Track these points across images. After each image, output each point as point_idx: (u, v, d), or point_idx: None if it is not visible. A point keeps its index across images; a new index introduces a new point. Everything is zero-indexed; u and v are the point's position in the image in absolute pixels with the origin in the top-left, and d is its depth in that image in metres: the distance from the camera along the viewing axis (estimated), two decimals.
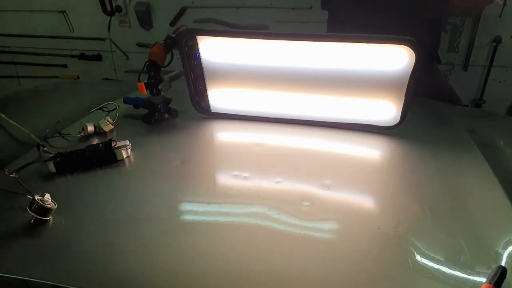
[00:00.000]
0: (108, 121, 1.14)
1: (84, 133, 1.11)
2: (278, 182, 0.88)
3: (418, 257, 0.65)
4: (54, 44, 3.39)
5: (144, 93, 1.16)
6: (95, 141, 1.08)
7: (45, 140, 1.08)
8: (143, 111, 1.25)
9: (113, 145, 0.96)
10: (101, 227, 0.74)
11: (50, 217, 0.74)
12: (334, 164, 1.00)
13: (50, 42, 3.38)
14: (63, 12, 3.24)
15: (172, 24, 2.97)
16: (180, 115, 1.27)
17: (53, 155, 0.93)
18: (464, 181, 0.90)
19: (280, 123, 1.19)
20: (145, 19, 3.03)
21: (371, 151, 1.11)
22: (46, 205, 0.73)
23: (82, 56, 3.39)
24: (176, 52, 1.16)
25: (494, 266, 0.60)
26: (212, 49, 1.12)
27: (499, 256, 0.65)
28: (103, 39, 3.23)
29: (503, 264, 0.63)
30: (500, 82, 2.57)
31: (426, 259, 0.65)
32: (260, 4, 2.76)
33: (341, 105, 1.13)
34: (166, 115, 1.24)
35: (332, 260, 0.66)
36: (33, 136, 1.05)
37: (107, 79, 3.37)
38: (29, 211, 0.72)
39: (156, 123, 1.22)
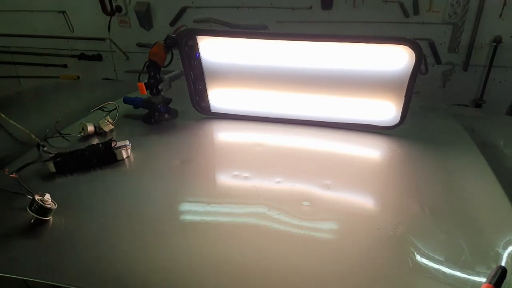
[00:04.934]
0: (108, 121, 1.13)
1: (84, 133, 1.11)
2: (278, 182, 0.88)
3: (418, 257, 0.65)
4: (54, 44, 3.39)
5: (144, 93, 1.16)
6: (95, 141, 1.08)
7: (45, 140, 1.08)
8: (143, 111, 1.25)
9: (113, 145, 0.96)
10: (101, 227, 0.74)
11: (50, 217, 0.74)
12: (334, 164, 1.00)
13: (50, 42, 3.38)
14: (63, 12, 3.23)
15: (172, 24, 2.97)
16: (180, 115, 1.27)
17: (53, 155, 0.93)
18: (464, 181, 0.90)
19: (280, 123, 1.19)
20: (145, 19, 3.03)
21: (371, 151, 1.11)
22: (46, 205, 0.73)
23: (82, 56, 3.39)
24: (176, 52, 1.16)
25: (494, 266, 0.60)
26: (212, 49, 1.12)
27: (499, 256, 0.65)
28: (103, 39, 3.23)
29: (503, 264, 0.63)
30: (500, 82, 2.57)
31: (426, 259, 0.65)
32: (260, 4, 2.76)
33: (341, 105, 1.13)
34: (166, 115, 1.24)
35: (332, 260, 0.66)
36: (33, 136, 1.05)
37: (107, 79, 3.36)
38: (29, 211, 0.72)
39: (156, 123, 1.22)
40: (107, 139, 0.99)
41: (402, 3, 2.48)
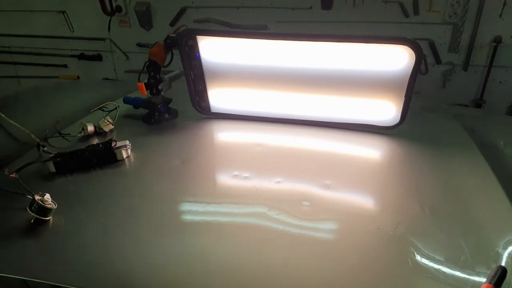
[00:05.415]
0: (108, 121, 1.13)
1: (84, 133, 1.11)
2: (278, 182, 0.88)
3: (418, 257, 0.65)
4: (54, 44, 3.38)
5: (144, 93, 1.16)
6: (95, 141, 1.08)
7: (45, 140, 1.08)
8: (143, 111, 1.25)
9: (113, 145, 0.96)
10: (101, 227, 0.74)
11: (50, 217, 0.74)
12: (334, 164, 1.00)
13: (50, 42, 3.37)
14: (63, 12, 3.23)
15: (172, 24, 2.96)
16: (180, 115, 1.27)
17: (53, 155, 0.93)
18: (464, 181, 0.90)
19: (280, 123, 1.19)
20: (145, 19, 3.03)
21: (371, 151, 1.11)
22: (46, 205, 0.73)
23: (82, 56, 3.38)
24: (176, 52, 1.16)
25: (494, 266, 0.60)
26: (212, 49, 1.12)
27: (499, 256, 0.65)
28: (103, 39, 3.22)
29: (503, 264, 0.63)
30: (500, 82, 2.57)
31: (426, 259, 0.65)
32: (260, 4, 2.75)
33: (341, 105, 1.13)
34: (166, 115, 1.24)
35: (332, 260, 0.66)
36: (33, 136, 1.05)
37: (107, 79, 3.36)
38: (29, 211, 0.72)
39: (156, 123, 1.22)
40: (107, 139, 0.99)
41: (402, 3, 2.48)
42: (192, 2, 2.89)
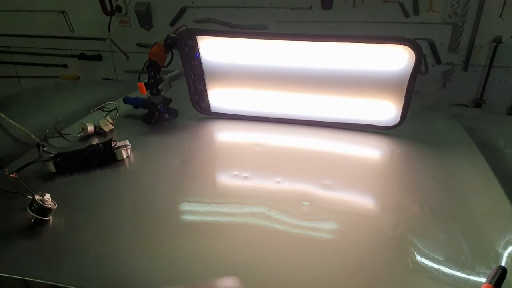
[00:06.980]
0: (108, 121, 1.13)
1: (84, 133, 1.11)
2: (278, 182, 0.88)
3: (418, 257, 0.65)
4: (54, 44, 3.39)
5: (144, 93, 1.16)
6: (95, 141, 1.08)
7: (45, 140, 1.08)
8: (143, 111, 1.25)
9: (113, 145, 0.96)
10: (101, 227, 0.74)
11: (50, 217, 0.74)
12: (334, 164, 1.00)
13: (50, 42, 3.37)
14: (63, 12, 3.23)
15: (172, 24, 2.96)
16: (180, 115, 1.27)
17: (53, 155, 0.93)
18: (464, 181, 0.90)
19: (280, 123, 1.19)
20: (145, 19, 3.03)
21: (371, 151, 1.11)
22: (46, 205, 0.73)
23: (82, 56, 3.38)
24: (176, 52, 1.16)
25: (494, 266, 0.60)
26: (212, 49, 1.12)
27: (499, 256, 0.65)
28: (103, 39, 3.22)
29: (503, 264, 0.63)
30: (500, 82, 2.57)
31: (426, 259, 0.65)
32: (260, 4, 2.75)
33: (341, 105, 1.13)
34: (166, 115, 1.24)
35: (332, 260, 0.66)
36: (33, 136, 1.05)
37: (107, 79, 3.36)
38: (29, 211, 0.72)
39: (156, 123, 1.22)
40: (107, 139, 0.99)
41: (402, 3, 2.48)
42: (192, 2, 2.89)
